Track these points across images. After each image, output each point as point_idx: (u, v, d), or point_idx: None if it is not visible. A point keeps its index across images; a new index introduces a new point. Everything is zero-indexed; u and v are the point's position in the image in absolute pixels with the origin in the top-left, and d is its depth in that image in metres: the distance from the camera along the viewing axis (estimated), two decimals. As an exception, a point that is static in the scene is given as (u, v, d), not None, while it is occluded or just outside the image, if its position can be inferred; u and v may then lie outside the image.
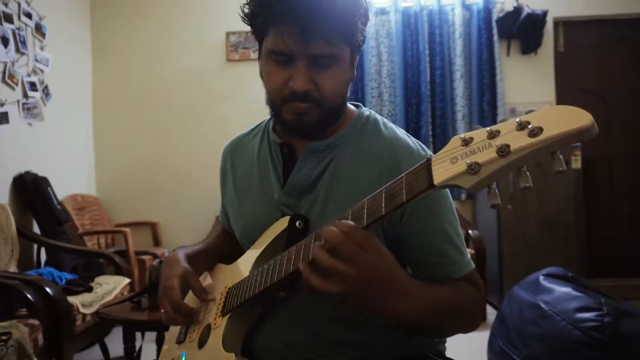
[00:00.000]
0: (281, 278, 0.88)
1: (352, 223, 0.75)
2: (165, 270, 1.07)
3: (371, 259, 0.74)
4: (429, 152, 0.99)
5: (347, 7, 0.90)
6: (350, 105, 1.07)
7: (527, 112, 0.61)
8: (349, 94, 1.03)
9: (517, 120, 0.60)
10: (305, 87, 0.91)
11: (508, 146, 0.59)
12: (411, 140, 1.01)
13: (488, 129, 0.63)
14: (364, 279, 0.74)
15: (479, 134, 0.64)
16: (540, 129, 0.58)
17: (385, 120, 1.06)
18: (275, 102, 0.97)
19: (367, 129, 1.03)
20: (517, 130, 0.60)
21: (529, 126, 0.59)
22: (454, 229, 0.97)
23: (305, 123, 0.95)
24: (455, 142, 0.66)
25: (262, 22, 0.94)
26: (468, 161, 0.62)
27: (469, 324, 0.95)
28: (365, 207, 0.76)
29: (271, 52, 0.94)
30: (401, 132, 1.03)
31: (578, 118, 0.57)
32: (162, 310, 1.03)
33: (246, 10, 0.95)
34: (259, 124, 1.17)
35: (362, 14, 0.94)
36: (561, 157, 0.59)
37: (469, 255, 0.98)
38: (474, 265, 0.98)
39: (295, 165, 1.02)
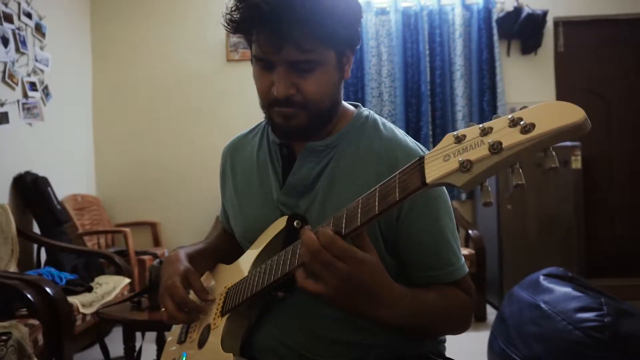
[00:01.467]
0: (278, 278, 0.88)
1: (331, 233, 0.75)
2: (166, 269, 1.08)
3: (349, 272, 0.75)
4: (427, 152, 1.00)
5: (319, 11, 0.88)
6: (349, 105, 1.07)
7: (521, 109, 0.61)
8: (344, 94, 1.03)
9: (510, 116, 0.60)
10: (285, 93, 0.92)
11: (500, 143, 0.58)
12: (410, 141, 1.01)
13: (481, 125, 0.62)
14: (343, 289, 0.76)
15: (472, 131, 0.63)
16: (533, 125, 0.57)
17: (384, 120, 1.06)
18: (265, 105, 0.98)
19: (365, 128, 1.03)
20: (510, 126, 0.59)
21: (521, 122, 0.58)
22: (451, 232, 0.97)
23: (294, 126, 0.96)
24: (448, 139, 0.65)
25: (240, 31, 0.95)
26: (460, 159, 0.61)
27: (457, 329, 0.96)
28: (360, 206, 0.76)
29: (255, 58, 0.95)
30: (400, 132, 1.03)
31: (571, 114, 0.56)
32: (163, 309, 1.04)
33: (227, 19, 0.95)
34: (259, 124, 1.18)
35: (341, 15, 0.91)
36: (554, 153, 0.58)
37: (463, 260, 0.99)
38: (467, 270, 0.99)
39: (294, 165, 1.02)
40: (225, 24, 0.95)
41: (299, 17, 0.86)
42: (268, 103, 0.96)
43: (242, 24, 0.92)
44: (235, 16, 0.92)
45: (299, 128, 0.96)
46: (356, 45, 0.99)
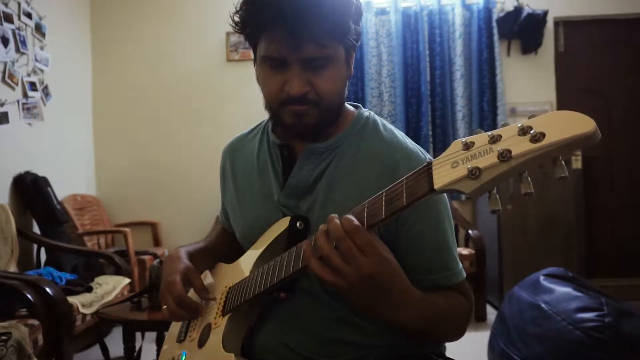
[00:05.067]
0: (281, 279, 0.88)
1: (357, 223, 0.74)
2: (166, 266, 1.08)
3: (370, 266, 0.74)
4: (428, 156, 1.00)
5: (336, 8, 0.89)
6: (349, 106, 1.07)
7: (530, 117, 0.61)
8: (346, 94, 1.03)
9: (519, 125, 0.60)
10: (301, 90, 0.92)
11: (509, 151, 0.58)
12: (410, 143, 1.01)
13: (489, 133, 0.62)
14: (361, 285, 0.75)
15: (480, 138, 0.63)
16: (542, 135, 0.57)
17: (385, 121, 1.06)
18: (274, 106, 0.97)
19: (366, 130, 1.03)
20: (519, 135, 0.59)
21: (531, 131, 0.58)
22: (450, 236, 0.97)
23: (305, 124, 0.95)
24: (456, 146, 0.65)
25: (252, 30, 0.94)
26: (469, 166, 0.61)
27: (458, 334, 0.96)
28: (366, 210, 0.76)
29: (265, 58, 0.94)
30: (400, 135, 1.03)
31: (581, 124, 0.56)
32: (165, 307, 1.04)
33: (236, 19, 0.95)
34: (259, 125, 1.18)
35: (353, 12, 0.93)
36: (563, 163, 0.58)
37: (461, 265, 0.98)
38: (465, 275, 0.98)
39: (295, 166, 1.02)
40: (234, 24, 0.95)
41: (318, 13, 0.87)
42: (279, 103, 0.95)
43: (257, 22, 0.91)
44: (247, 16, 0.92)
45: (310, 126, 0.96)
46: (359, 42, 0.99)
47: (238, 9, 0.94)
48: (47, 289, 2.35)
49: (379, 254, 0.74)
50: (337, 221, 0.75)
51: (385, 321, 0.82)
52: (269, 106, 0.99)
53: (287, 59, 0.91)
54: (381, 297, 0.78)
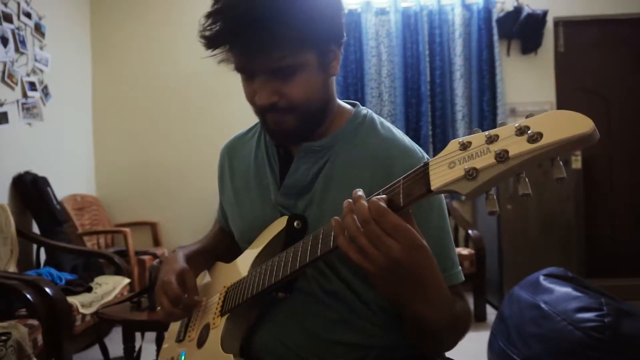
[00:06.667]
0: (278, 280, 0.87)
1: (383, 205, 0.67)
2: (163, 268, 1.09)
3: (401, 252, 0.67)
4: (425, 154, 0.99)
5: (290, 17, 0.86)
6: (346, 105, 1.07)
7: (527, 116, 0.59)
8: (336, 91, 1.03)
9: (517, 125, 0.58)
10: (266, 101, 0.92)
11: (507, 152, 0.57)
12: (407, 141, 1.00)
13: (487, 133, 0.61)
14: (390, 270, 0.68)
15: (477, 138, 0.62)
16: (540, 135, 0.56)
17: (382, 119, 1.05)
18: (255, 113, 0.99)
19: (363, 128, 1.02)
20: (517, 135, 0.58)
21: (529, 131, 0.57)
22: (447, 236, 0.96)
23: (286, 130, 0.96)
24: (453, 145, 0.64)
25: (213, 47, 0.92)
26: (466, 166, 0.60)
27: (455, 343, 0.90)
28: None
29: (235, 70, 0.96)
30: (398, 132, 1.02)
31: (579, 124, 0.55)
32: (159, 308, 1.04)
33: (200, 40, 0.93)
34: (256, 124, 1.17)
35: (317, 15, 0.89)
36: (561, 163, 0.57)
37: (460, 267, 0.97)
38: (463, 279, 0.96)
39: (291, 166, 1.01)
40: (203, 44, 0.94)
41: (266, 26, 0.85)
42: (257, 111, 0.97)
43: (213, 40, 0.90)
44: (206, 34, 0.91)
45: (292, 131, 0.96)
46: (341, 40, 0.97)
47: (200, 27, 0.92)
48: (47, 289, 2.35)
49: (411, 239, 0.68)
50: (364, 202, 0.69)
51: (410, 314, 0.75)
52: (254, 112, 1.01)
53: (249, 71, 0.92)
54: (411, 288, 0.71)
